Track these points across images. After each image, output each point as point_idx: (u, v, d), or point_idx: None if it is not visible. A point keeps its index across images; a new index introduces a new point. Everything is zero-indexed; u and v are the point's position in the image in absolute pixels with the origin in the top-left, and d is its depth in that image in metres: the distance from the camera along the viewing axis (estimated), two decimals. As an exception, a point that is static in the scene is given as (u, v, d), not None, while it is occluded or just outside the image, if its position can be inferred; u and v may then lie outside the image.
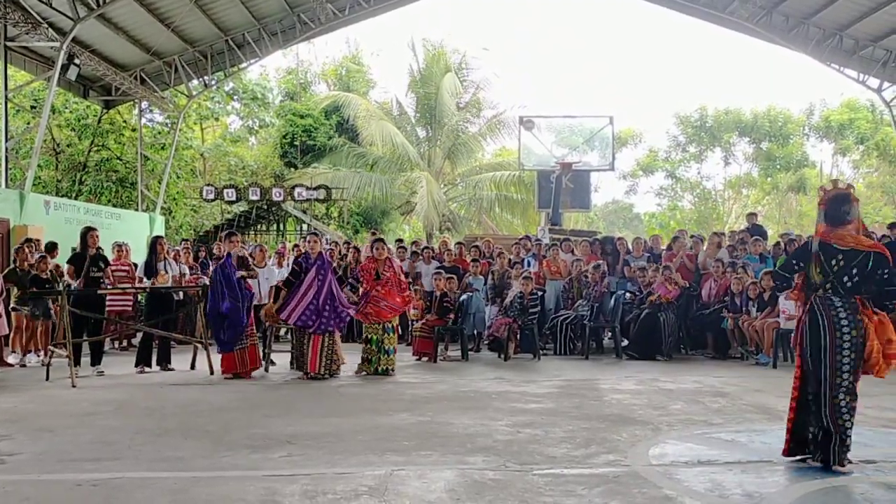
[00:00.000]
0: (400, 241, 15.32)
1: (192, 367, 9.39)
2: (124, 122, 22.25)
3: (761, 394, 7.52)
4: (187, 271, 11.26)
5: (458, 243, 14.32)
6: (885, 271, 4.60)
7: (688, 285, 11.15)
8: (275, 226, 22.87)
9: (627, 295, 11.46)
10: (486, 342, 11.51)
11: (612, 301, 11.00)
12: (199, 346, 9.45)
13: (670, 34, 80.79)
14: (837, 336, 4.64)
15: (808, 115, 33.78)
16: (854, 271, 4.63)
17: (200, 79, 20.11)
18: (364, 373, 8.78)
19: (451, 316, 10.56)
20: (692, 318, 11.21)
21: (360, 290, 9.15)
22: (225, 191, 19.95)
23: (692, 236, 12.68)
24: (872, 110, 30.78)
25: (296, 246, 14.20)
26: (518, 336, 10.94)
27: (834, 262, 4.67)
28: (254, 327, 8.89)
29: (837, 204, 4.76)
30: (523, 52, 73.13)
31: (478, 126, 26.97)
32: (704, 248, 12.18)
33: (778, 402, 7.02)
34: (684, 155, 35.93)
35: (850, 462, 4.66)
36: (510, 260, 12.59)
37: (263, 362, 9.18)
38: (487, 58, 64.28)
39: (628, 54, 74.64)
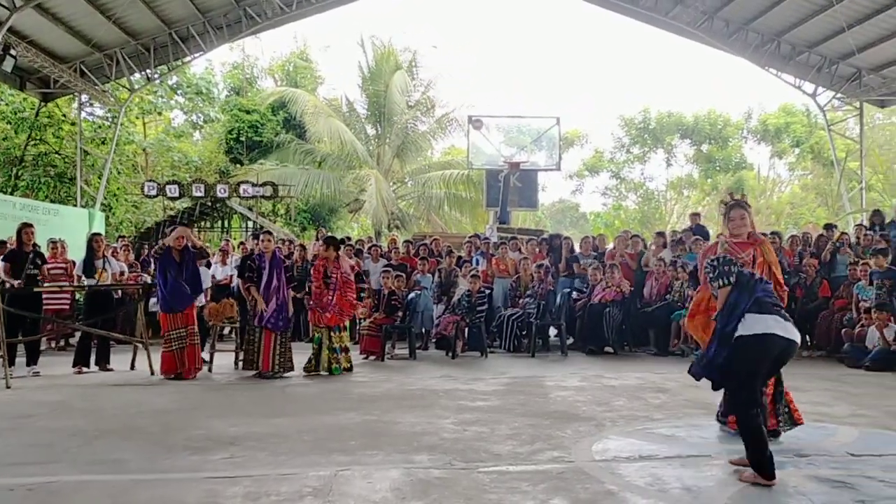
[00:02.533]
0: (347, 238, 15.19)
1: (132, 367, 9.20)
2: (63, 115, 21.54)
3: (700, 389, 7.63)
4: (126, 269, 10.99)
5: (407, 241, 14.32)
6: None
7: (630, 289, 11.33)
8: (219, 223, 22.50)
9: (574, 293, 11.63)
10: (433, 340, 11.54)
11: (558, 298, 11.14)
12: (139, 345, 9.25)
13: (615, 37, 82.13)
14: None
15: (747, 119, 34.83)
16: None
17: (143, 72, 19.60)
18: (312, 373, 8.69)
19: (399, 314, 10.57)
20: (635, 316, 11.43)
21: (313, 289, 9.07)
22: (167, 187, 19.53)
23: (634, 236, 12.94)
24: (807, 115, 31.86)
25: (241, 244, 14.00)
26: (466, 334, 11.02)
27: None
28: (195, 327, 8.71)
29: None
30: (473, 52, 73.42)
31: (427, 124, 26.99)
32: (650, 246, 12.44)
33: (716, 397, 7.20)
34: (628, 156, 36.67)
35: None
36: (459, 258, 12.64)
37: (207, 363, 9.03)
38: (437, 57, 64.47)
39: (575, 56, 75.59)
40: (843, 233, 12.86)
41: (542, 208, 36.04)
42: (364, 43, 26.71)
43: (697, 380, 4.63)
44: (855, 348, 9.71)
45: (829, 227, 12.95)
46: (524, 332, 11.25)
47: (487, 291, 11.56)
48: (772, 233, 11.94)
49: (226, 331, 11.22)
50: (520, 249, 12.99)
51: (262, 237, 9.04)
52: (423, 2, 79.63)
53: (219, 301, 9.79)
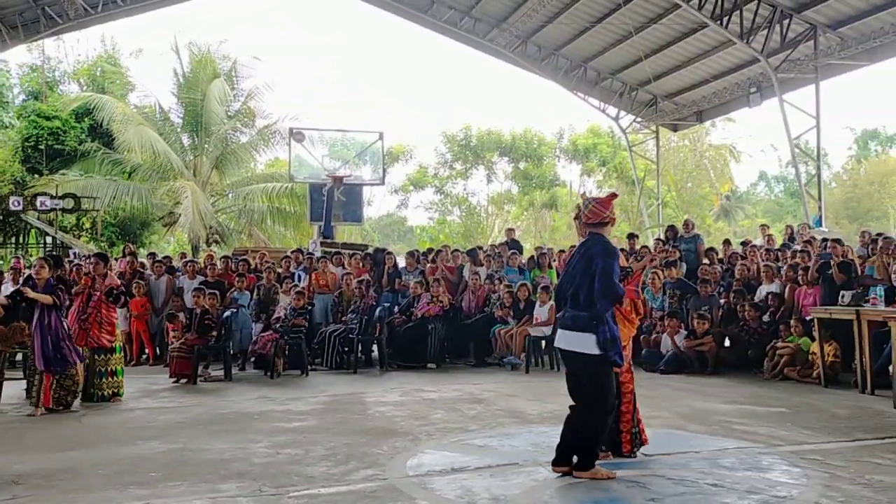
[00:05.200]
0: (153, 254, 14.29)
1: None
2: None
3: (514, 398, 8.01)
4: None
5: (225, 257, 13.75)
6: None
7: (451, 304, 11.57)
8: (13, 239, 20.48)
9: (396, 308, 11.69)
10: (252, 360, 11.13)
11: (379, 313, 11.14)
12: None
13: (439, 56, 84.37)
14: None
15: (559, 139, 37.04)
16: None
17: (-82, 70, 17.56)
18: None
19: (214, 334, 10.09)
20: (455, 329, 11.68)
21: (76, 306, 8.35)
22: (-50, 198, 17.55)
23: (455, 250, 13.27)
24: (612, 136, 34.37)
25: (12, 268, 12.73)
26: (287, 352, 10.72)
27: None
28: None
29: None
30: (295, 65, 72.41)
31: (249, 136, 26.14)
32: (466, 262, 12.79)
33: (528, 406, 7.54)
34: (451, 172, 37.71)
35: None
36: (279, 274, 12.32)
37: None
38: (259, 67, 62.81)
39: (399, 72, 76.72)
40: (643, 246, 13.88)
41: (369, 222, 36.15)
42: (179, 48, 25.43)
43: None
44: (651, 353, 10.49)
45: (631, 236, 13.93)
46: (347, 349, 11.13)
47: (308, 307, 11.35)
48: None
49: (18, 357, 10.14)
50: (343, 264, 12.89)
51: (35, 263, 8.18)
52: (241, 11, 77.67)
53: (8, 325, 8.86)
